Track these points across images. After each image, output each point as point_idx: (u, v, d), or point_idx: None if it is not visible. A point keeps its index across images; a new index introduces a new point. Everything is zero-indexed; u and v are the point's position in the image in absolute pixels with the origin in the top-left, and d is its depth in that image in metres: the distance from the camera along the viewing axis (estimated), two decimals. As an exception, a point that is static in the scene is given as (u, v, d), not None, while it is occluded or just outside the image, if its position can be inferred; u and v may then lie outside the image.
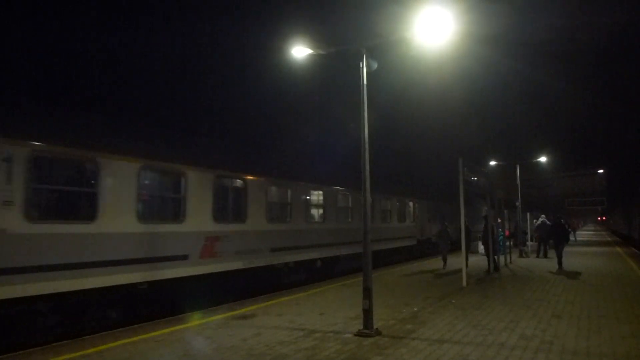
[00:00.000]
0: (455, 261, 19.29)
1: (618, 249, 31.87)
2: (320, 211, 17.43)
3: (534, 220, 31.37)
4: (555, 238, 20.02)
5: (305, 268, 16.31)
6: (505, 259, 20.56)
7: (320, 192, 17.33)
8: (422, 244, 27.28)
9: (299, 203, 15.90)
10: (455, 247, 23.33)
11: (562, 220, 20.54)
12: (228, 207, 13.18)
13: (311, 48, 9.29)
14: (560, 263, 18.75)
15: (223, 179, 12.97)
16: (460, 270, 17.19)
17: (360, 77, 8.86)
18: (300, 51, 9.33)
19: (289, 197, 15.50)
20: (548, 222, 24.49)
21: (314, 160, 24.18)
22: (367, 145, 8.77)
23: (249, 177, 13.69)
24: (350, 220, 19.04)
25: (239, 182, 13.53)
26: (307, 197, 16.58)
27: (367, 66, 8.87)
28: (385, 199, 22.78)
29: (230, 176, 13.33)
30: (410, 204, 26.19)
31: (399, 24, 8.72)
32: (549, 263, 20.72)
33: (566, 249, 30.00)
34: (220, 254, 12.21)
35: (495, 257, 18.06)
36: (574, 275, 16.54)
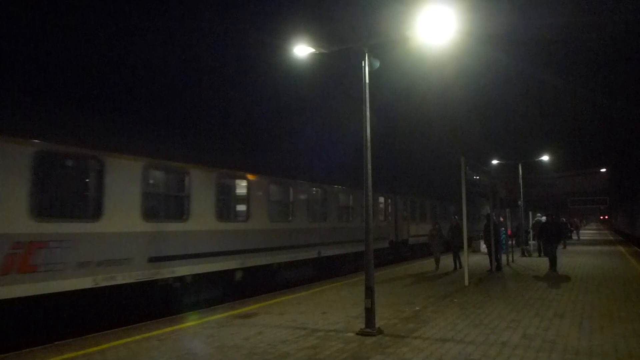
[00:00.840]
0: (449, 263, 19.03)
1: (620, 247, 31.80)
2: (243, 207, 13.50)
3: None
4: (548, 237, 18.17)
5: (219, 282, 12.50)
6: (508, 258, 20.52)
7: (244, 182, 13.57)
8: (397, 247, 23.36)
9: (203, 195, 11.86)
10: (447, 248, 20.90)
11: (562, 218, 20.38)
12: (66, 198, 9.58)
13: (313, 47, 9.29)
14: (554, 264, 17.37)
15: (55, 156, 9.07)
16: (452, 272, 17.08)
17: (362, 75, 8.86)
18: (302, 50, 9.33)
19: (186, 187, 11.53)
20: (542, 221, 24.46)
21: (240, 142, 20.51)
22: (369, 144, 8.76)
23: (110, 157, 9.69)
24: (290, 218, 15.43)
25: (88, 163, 9.62)
26: (219, 188, 12.49)
27: (369, 65, 8.87)
28: (344, 193, 18.68)
29: (70, 153, 9.32)
30: (381, 199, 22.07)
31: (401, 22, 8.72)
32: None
33: (569, 247, 30.23)
34: (45, 267, 8.38)
35: (498, 256, 18.04)
36: (576, 274, 16.51)
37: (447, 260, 19.47)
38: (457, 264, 18.29)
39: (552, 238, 17.92)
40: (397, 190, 23.95)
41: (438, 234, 18.96)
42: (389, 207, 22.90)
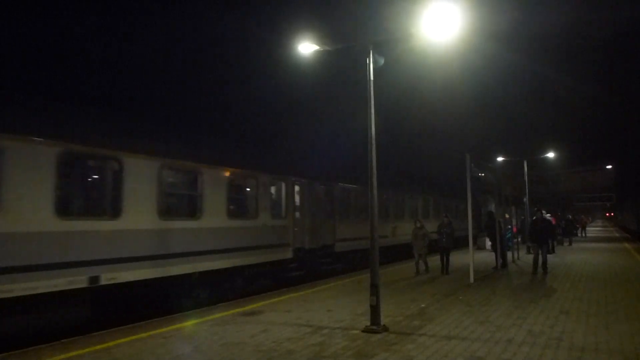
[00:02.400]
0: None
1: (626, 244, 31.69)
2: None
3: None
4: (536, 236, 16.21)
5: None
6: (513, 255, 20.47)
7: None
8: (311, 257, 15.98)
9: None
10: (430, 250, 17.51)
11: (568, 215, 20.03)
12: None
13: (318, 44, 9.27)
14: (544, 265, 15.86)
15: None
16: (441, 276, 15.74)
17: (366, 73, 8.85)
18: (306, 47, 9.31)
19: None
20: (548, 218, 24.35)
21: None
22: (374, 141, 8.75)
23: None
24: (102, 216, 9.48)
25: None
26: None
27: (373, 62, 8.86)
28: (177, 171, 11.44)
29: None
30: (282, 185, 14.90)
31: (405, 19, 8.70)
32: (557, 259, 20.66)
33: (574, 244, 30.14)
34: None
35: (503, 253, 17.98)
36: (582, 271, 16.45)
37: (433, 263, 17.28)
38: (446, 268, 16.25)
39: (540, 238, 16.05)
40: (313, 173, 16.61)
41: (421, 233, 16.36)
42: (296, 198, 15.48)
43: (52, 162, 8.66)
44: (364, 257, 17.49)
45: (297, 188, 15.50)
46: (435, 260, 17.10)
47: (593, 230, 63.37)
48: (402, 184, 24.82)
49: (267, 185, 13.98)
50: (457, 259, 19.45)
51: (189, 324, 9.13)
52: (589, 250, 26.04)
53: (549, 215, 26.58)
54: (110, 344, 7.73)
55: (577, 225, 41.05)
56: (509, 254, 19.59)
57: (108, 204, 9.90)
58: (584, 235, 42.25)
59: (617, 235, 50.52)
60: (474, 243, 17.23)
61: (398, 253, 21.00)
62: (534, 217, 16.95)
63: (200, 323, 9.18)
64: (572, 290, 12.33)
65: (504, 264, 17.79)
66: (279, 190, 14.93)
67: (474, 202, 17.40)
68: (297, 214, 15.44)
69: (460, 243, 22.99)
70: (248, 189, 13.73)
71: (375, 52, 8.89)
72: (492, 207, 20.66)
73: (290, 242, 14.81)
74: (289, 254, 14.68)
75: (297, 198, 15.50)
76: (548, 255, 21.67)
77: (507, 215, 21.55)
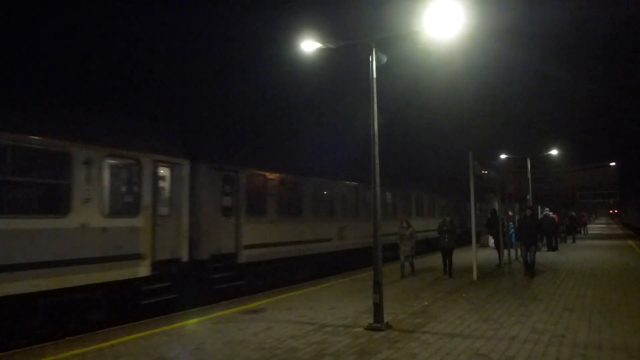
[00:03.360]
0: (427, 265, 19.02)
1: (630, 242, 31.60)
2: None
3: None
4: (525, 236, 15.13)
5: None
6: (516, 253, 20.44)
7: None
8: (189, 273, 11.49)
9: None
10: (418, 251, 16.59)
11: (571, 213, 19.89)
12: None
13: (320, 42, 9.27)
14: (531, 268, 14.75)
15: None
16: (442, 277, 15.04)
17: (369, 71, 8.85)
18: (309, 45, 9.31)
19: None
20: (551, 215, 24.31)
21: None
22: (377, 139, 8.75)
23: None
24: None
25: None
26: None
27: (376, 60, 8.85)
28: None
29: None
30: (133, 167, 10.30)
31: (408, 17, 8.70)
32: (560, 256, 20.62)
33: (578, 241, 30.07)
34: None
35: (506, 250, 17.98)
36: (586, 268, 16.42)
37: (434, 262, 17.19)
38: (449, 270, 15.07)
39: (530, 238, 14.92)
40: (204, 152, 12.51)
41: (408, 233, 15.09)
42: (163, 186, 11.20)
43: None
44: (288, 267, 15.11)
45: (163, 172, 11.09)
46: (436, 260, 17.02)
47: (596, 227, 63.23)
48: (358, 174, 18.86)
49: (94, 165, 9.26)
50: (459, 257, 19.40)
51: (192, 322, 9.15)
52: (592, 248, 25.98)
53: (551, 213, 26.50)
54: (114, 341, 7.76)
55: (580, 224, 41.01)
56: (512, 252, 19.57)
57: None
58: (585, 233, 42.24)
59: (620, 232, 50.41)
60: (477, 241, 17.21)
61: (349, 260, 17.21)
62: (524, 214, 15.85)
63: (204, 321, 9.20)
64: (576, 288, 12.31)
65: (507, 262, 17.78)
66: (124, 174, 10.42)
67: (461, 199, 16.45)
68: (165, 210, 11.04)
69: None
70: (49, 170, 8.83)
71: (378, 50, 8.88)
72: (495, 205, 20.61)
73: (148, 252, 10.26)
74: (142, 271, 10.13)
75: (164, 186, 11.18)
76: (550, 253, 21.76)
77: (510, 213, 21.52)
